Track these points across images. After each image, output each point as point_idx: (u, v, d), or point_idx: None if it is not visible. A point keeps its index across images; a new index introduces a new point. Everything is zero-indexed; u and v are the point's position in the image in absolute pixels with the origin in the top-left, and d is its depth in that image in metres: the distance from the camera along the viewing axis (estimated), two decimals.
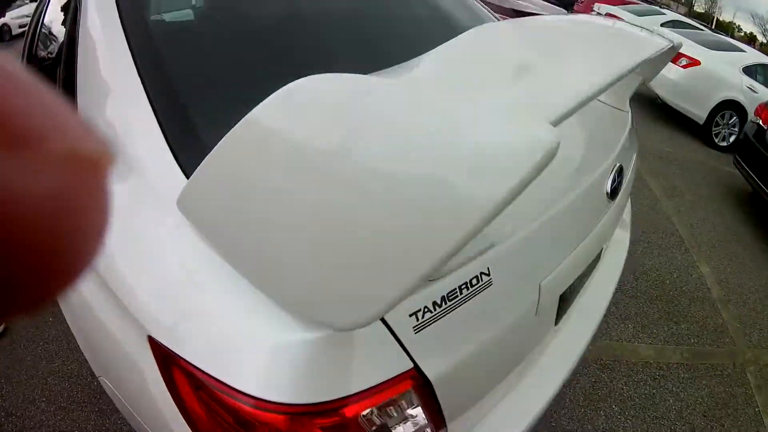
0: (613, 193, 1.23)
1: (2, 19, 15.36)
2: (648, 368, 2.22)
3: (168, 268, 0.82)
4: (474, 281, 0.83)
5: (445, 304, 0.80)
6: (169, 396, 0.79)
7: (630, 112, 1.58)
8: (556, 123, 0.60)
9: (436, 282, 0.79)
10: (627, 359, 2.25)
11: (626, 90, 1.54)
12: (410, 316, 0.76)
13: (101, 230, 0.20)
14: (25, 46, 2.75)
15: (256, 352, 0.70)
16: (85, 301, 1.04)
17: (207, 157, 0.69)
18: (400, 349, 0.76)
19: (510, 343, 0.99)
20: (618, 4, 10.64)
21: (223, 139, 0.67)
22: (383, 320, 0.73)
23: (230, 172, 0.69)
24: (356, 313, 0.57)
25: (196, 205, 0.75)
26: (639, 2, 13.67)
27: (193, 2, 1.55)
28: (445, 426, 0.91)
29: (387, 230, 0.56)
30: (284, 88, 0.66)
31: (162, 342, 0.76)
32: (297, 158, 0.64)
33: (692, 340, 2.40)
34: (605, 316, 1.66)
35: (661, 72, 5.60)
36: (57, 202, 0.17)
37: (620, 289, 2.70)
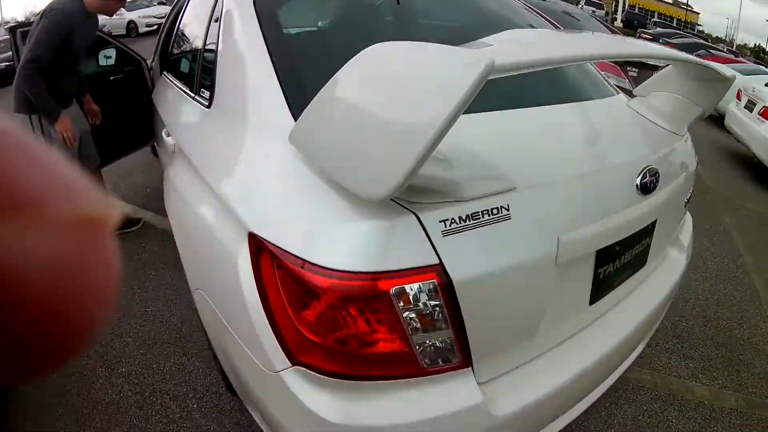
0: (644, 189, 1.34)
1: (130, 15, 16.72)
2: (701, 407, 2.22)
3: (272, 181, 1.16)
4: (494, 211, 1.02)
5: (470, 221, 0.99)
6: (255, 284, 1.05)
7: (685, 137, 1.70)
8: (504, 68, 0.80)
9: (463, 203, 1.00)
10: (682, 395, 2.26)
11: (683, 118, 1.66)
12: (440, 222, 0.97)
13: (111, 288, 0.19)
14: (158, 43, 3.26)
15: (331, 235, 0.98)
16: (192, 209, 1.45)
17: (306, 108, 1.02)
18: (430, 246, 0.96)
19: (530, 286, 1.14)
20: (726, 63, 10.35)
21: (316, 96, 0.99)
22: (419, 220, 0.96)
23: (319, 114, 1.01)
24: (384, 186, 0.83)
25: (299, 136, 1.06)
26: (747, 62, 13.24)
27: (319, 24, 1.96)
28: (471, 363, 1.09)
29: (400, 130, 0.84)
30: (359, 53, 0.95)
31: (260, 235, 1.03)
32: (359, 97, 0.94)
33: (750, 390, 2.36)
34: (653, 343, 1.75)
35: (758, 129, 5.45)
36: (63, 266, 0.17)
37: (688, 330, 2.71)
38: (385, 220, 0.95)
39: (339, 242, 0.96)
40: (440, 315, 1.00)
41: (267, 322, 1.03)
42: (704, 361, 2.50)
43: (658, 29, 20.62)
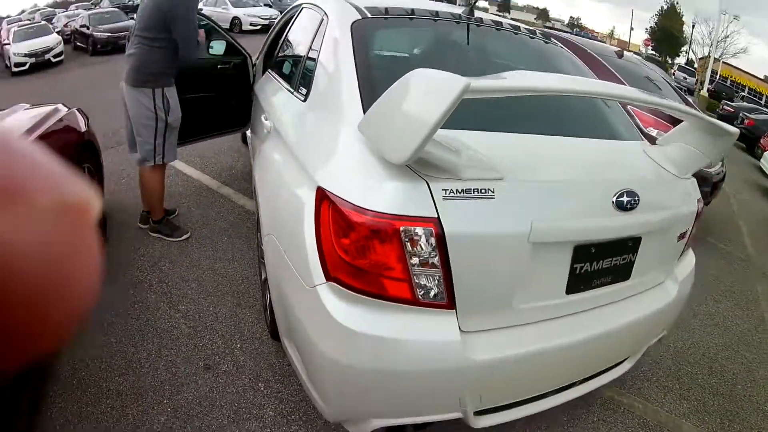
0: (619, 205, 1.56)
1: (235, 12, 17.69)
2: None
3: (340, 153, 1.57)
4: (482, 191, 1.34)
5: (463, 194, 1.32)
6: (314, 221, 1.43)
7: (689, 182, 1.90)
8: (478, 90, 1.15)
9: (461, 180, 1.33)
10: (668, 429, 2.33)
11: (689, 165, 1.86)
12: (442, 190, 1.31)
13: (94, 273, 0.21)
14: (264, 46, 3.76)
15: (370, 189, 1.36)
16: (278, 172, 1.88)
17: (373, 105, 1.37)
18: (433, 204, 1.30)
19: (506, 253, 1.43)
20: None
21: (378, 98, 1.35)
22: (428, 185, 1.30)
23: (376, 111, 1.36)
24: (402, 156, 1.21)
25: (364, 125, 1.42)
26: None
27: (393, 52, 2.38)
28: (455, 308, 1.40)
29: (414, 123, 1.17)
30: (405, 75, 1.28)
31: (327, 188, 1.40)
32: (398, 102, 1.27)
33: None
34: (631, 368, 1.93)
35: None
36: (48, 253, 0.18)
37: (690, 375, 2.77)
38: (406, 182, 1.33)
39: (375, 193, 1.34)
40: (433, 255, 1.32)
41: (316, 248, 1.40)
42: (699, 405, 2.55)
43: (743, 104, 19.92)
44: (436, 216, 1.30)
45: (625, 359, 2.03)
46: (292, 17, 3.16)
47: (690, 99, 6.38)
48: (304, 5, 2.88)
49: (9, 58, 14.75)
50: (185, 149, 4.30)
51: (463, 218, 1.33)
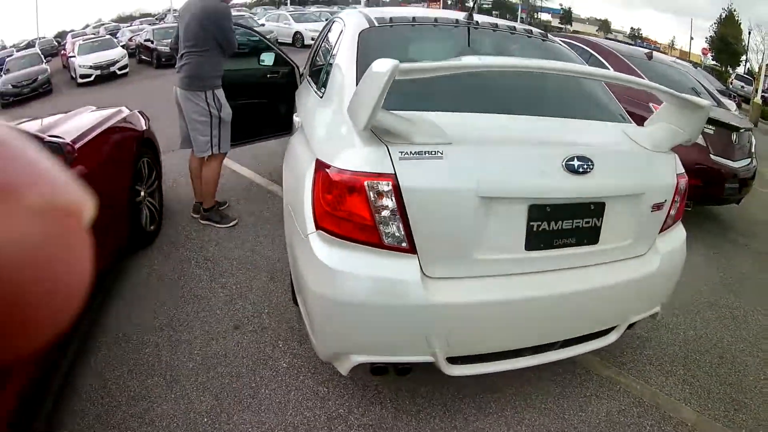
0: (570, 169, 1.66)
1: (297, 27, 18.31)
2: (681, 427, 2.22)
3: (333, 132, 1.82)
4: (433, 153, 1.53)
5: (416, 155, 1.51)
6: (311, 185, 1.68)
7: (667, 154, 1.96)
8: (407, 70, 1.43)
9: (414, 144, 1.52)
10: (665, 411, 2.29)
11: (667, 141, 1.93)
12: (399, 152, 1.50)
13: (83, 274, 0.21)
14: (310, 56, 4.09)
15: (345, 154, 1.64)
16: (296, 154, 2.15)
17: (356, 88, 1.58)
18: (391, 163, 1.50)
19: (457, 205, 1.60)
20: None
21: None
22: (387, 149, 1.52)
23: (355, 95, 1.59)
24: (362, 121, 1.46)
25: (349, 107, 1.64)
26: None
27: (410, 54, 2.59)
28: (417, 253, 1.59)
29: (367, 94, 1.44)
30: (375, 61, 1.48)
31: (320, 158, 1.66)
32: (372, 83, 1.46)
33: (742, 431, 2.30)
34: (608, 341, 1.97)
35: None
36: (35, 251, 0.18)
37: (697, 362, 2.70)
38: (371, 147, 1.59)
39: (350, 157, 1.61)
40: (392, 205, 1.54)
41: (311, 204, 1.67)
42: (703, 391, 2.47)
43: None
44: (393, 173, 1.54)
45: (611, 331, 2.06)
46: (326, 33, 3.52)
47: (733, 106, 6.10)
48: (335, 18, 3.22)
49: (74, 70, 15.67)
50: (240, 152, 4.69)
51: (416, 175, 1.56)
